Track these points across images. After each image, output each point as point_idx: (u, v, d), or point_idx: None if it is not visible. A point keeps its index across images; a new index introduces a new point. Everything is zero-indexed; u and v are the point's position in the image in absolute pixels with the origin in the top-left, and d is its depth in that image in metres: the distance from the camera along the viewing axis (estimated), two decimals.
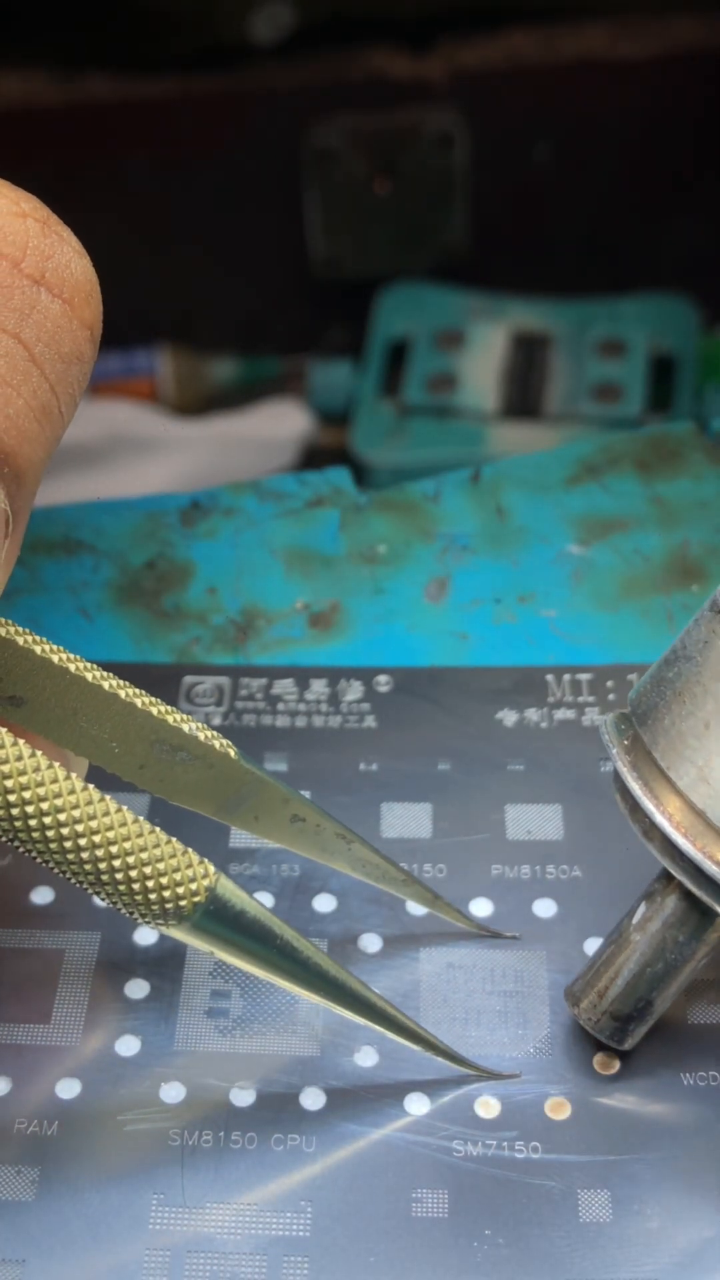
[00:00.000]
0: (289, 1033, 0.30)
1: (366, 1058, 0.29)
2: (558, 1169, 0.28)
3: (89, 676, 0.27)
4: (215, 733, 0.28)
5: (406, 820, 0.33)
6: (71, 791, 0.25)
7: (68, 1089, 0.29)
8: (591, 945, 0.31)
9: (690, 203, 0.71)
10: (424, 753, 0.35)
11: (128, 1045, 0.30)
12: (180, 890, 0.25)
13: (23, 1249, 0.27)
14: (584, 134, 0.70)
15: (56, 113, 0.70)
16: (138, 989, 0.31)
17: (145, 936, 0.32)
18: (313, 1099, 0.29)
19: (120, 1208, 0.28)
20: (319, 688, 0.36)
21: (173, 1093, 0.29)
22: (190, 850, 0.26)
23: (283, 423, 0.72)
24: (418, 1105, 0.29)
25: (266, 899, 0.32)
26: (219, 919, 0.26)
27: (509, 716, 0.35)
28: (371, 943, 0.31)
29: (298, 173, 0.70)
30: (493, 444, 0.67)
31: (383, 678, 0.36)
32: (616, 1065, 0.29)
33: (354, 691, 0.36)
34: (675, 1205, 0.28)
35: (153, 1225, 0.28)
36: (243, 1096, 0.29)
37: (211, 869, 0.26)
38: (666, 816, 0.27)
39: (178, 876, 0.25)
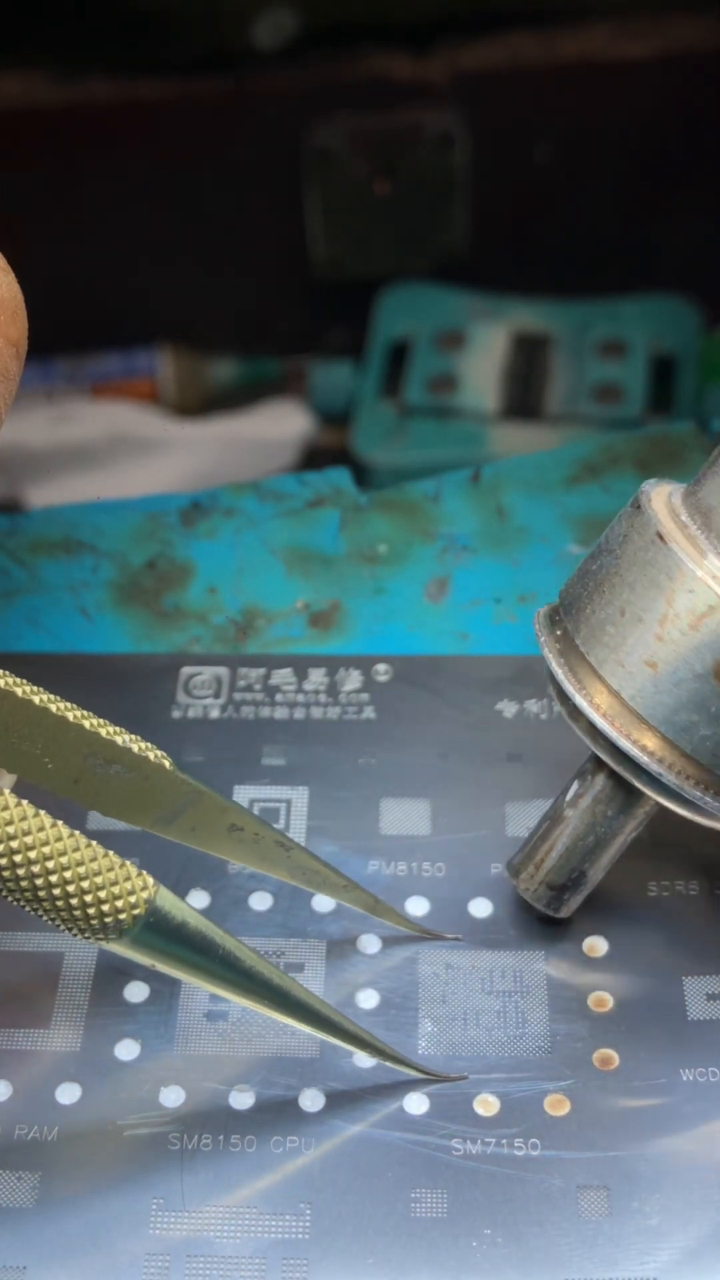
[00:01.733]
0: (288, 1034, 0.30)
1: (365, 1059, 0.29)
2: (557, 1166, 0.28)
3: (19, 692, 0.27)
4: (149, 745, 0.28)
5: (406, 817, 0.33)
6: (4, 808, 0.24)
7: (68, 1094, 0.29)
8: (590, 945, 0.31)
9: (690, 203, 0.71)
10: (423, 746, 0.34)
11: (127, 1049, 0.30)
12: (119, 904, 0.25)
13: (23, 1255, 0.27)
14: (584, 134, 0.69)
15: (58, 114, 0.70)
16: (137, 992, 0.31)
17: None
18: (312, 1100, 0.29)
19: (120, 1212, 0.28)
20: (317, 677, 0.36)
21: (172, 1096, 0.29)
22: (128, 863, 0.25)
23: (283, 423, 0.72)
24: (417, 1105, 0.29)
25: (265, 899, 0.32)
26: (159, 931, 0.26)
27: (508, 708, 0.35)
28: (370, 943, 0.31)
29: (298, 173, 0.70)
30: (493, 444, 0.67)
31: (381, 667, 0.36)
32: (616, 1061, 0.29)
33: (353, 681, 0.36)
34: (675, 1203, 0.28)
35: (153, 1229, 0.27)
36: (242, 1099, 0.29)
37: (150, 881, 0.25)
38: (587, 699, 0.28)
39: (116, 890, 0.25)
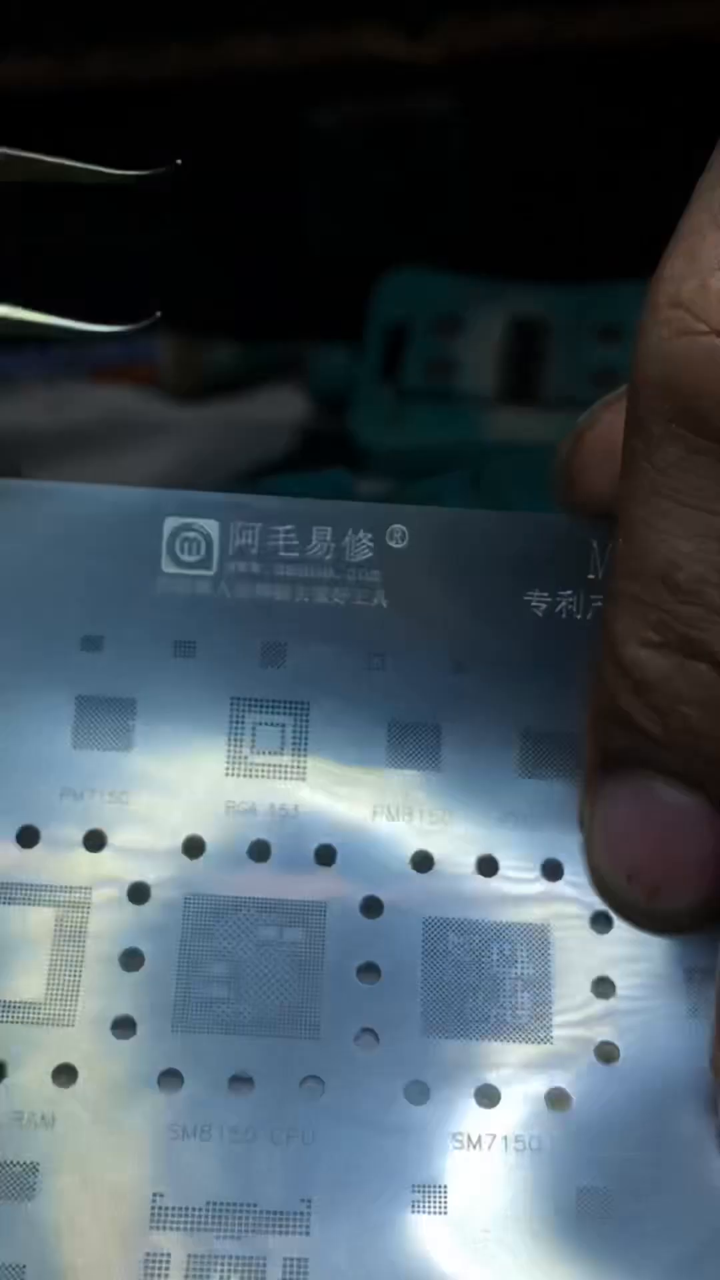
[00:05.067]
0: (290, 1021, 0.29)
1: (368, 1048, 0.29)
2: (558, 1165, 0.28)
3: None
4: None
5: (414, 747, 0.30)
6: None
7: (63, 1080, 0.29)
8: (600, 921, 0.30)
9: (689, 186, 0.70)
10: (439, 649, 0.30)
11: (124, 1032, 0.29)
12: None
13: (21, 1253, 0.27)
14: (583, 118, 0.69)
15: (52, 97, 0.69)
16: (135, 976, 0.29)
17: (139, 895, 0.30)
18: (313, 1092, 0.29)
19: (119, 1207, 0.28)
20: (323, 538, 0.30)
21: (170, 1084, 0.29)
22: None
23: (281, 407, 0.72)
24: (418, 1097, 0.29)
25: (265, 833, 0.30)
26: None
27: (540, 601, 0.31)
28: (371, 906, 0.30)
29: (295, 157, 0.70)
30: (492, 429, 0.67)
31: (398, 529, 0.31)
32: (620, 1057, 0.29)
33: (362, 550, 0.31)
34: (676, 1207, 0.28)
35: (153, 1225, 0.27)
36: (243, 1089, 0.29)
37: None
38: None
39: None
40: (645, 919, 0.28)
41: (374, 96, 0.68)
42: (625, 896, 0.28)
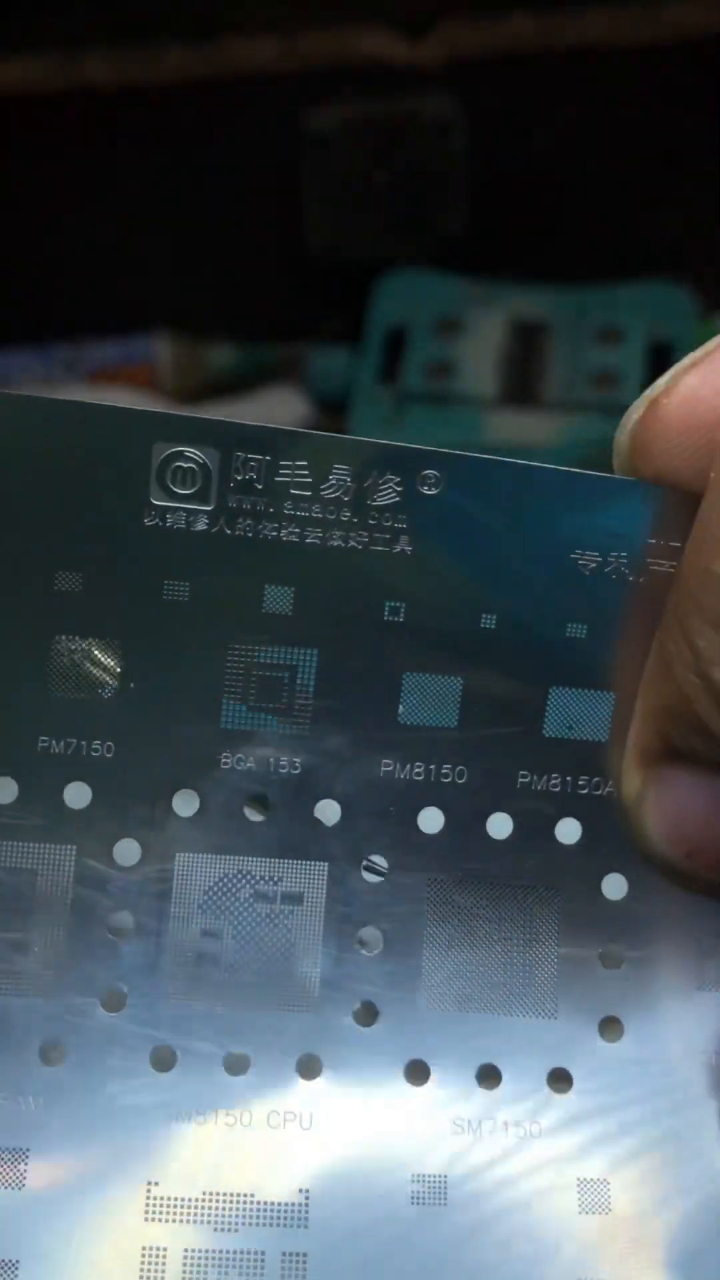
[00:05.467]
0: (285, 985, 0.28)
1: (367, 1018, 0.28)
2: (559, 1151, 0.28)
3: None
4: None
5: (430, 701, 0.28)
6: None
7: (50, 1057, 0.27)
8: (611, 886, 0.29)
9: (688, 189, 0.71)
10: (466, 600, 0.27)
11: (114, 1003, 0.27)
12: None
13: (14, 1249, 0.26)
14: (582, 120, 0.69)
15: (55, 99, 0.69)
16: (121, 932, 0.28)
17: (127, 856, 0.28)
18: (310, 1069, 0.28)
19: (114, 1199, 0.27)
20: (341, 477, 0.26)
21: (163, 1061, 0.27)
22: None
23: (281, 410, 0.72)
24: (418, 1077, 0.28)
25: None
26: None
27: (589, 560, 0.27)
28: (373, 869, 0.28)
29: (295, 159, 0.70)
30: (491, 431, 0.67)
31: (432, 474, 0.26)
32: (622, 1035, 0.28)
33: (387, 493, 0.26)
34: (674, 1202, 0.28)
35: (148, 1216, 0.27)
36: (237, 1065, 0.27)
37: None
38: None
39: None
40: (703, 887, 0.27)
41: (374, 97, 0.68)
42: (680, 866, 0.27)
